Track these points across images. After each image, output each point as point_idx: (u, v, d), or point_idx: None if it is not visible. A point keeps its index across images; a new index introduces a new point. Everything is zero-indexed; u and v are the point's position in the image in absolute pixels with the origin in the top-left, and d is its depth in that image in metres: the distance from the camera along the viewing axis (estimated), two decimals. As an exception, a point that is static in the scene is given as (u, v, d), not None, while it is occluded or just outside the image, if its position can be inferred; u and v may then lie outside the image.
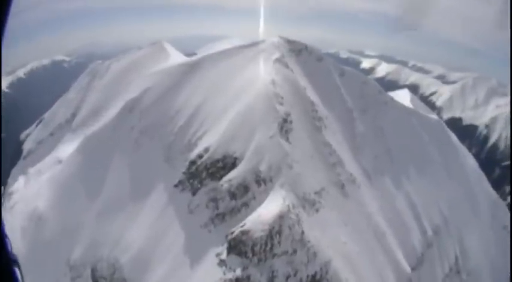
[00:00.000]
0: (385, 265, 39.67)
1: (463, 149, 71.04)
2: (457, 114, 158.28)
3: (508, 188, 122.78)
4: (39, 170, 49.32)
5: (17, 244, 37.75)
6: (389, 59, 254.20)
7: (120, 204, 42.18)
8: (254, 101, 40.15)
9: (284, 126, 38.18)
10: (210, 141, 40.60)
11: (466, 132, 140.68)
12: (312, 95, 46.20)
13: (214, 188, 37.56)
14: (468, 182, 62.99)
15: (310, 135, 41.54)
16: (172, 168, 42.93)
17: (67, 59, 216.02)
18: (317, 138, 42.07)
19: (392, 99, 59.71)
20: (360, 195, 42.71)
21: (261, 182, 34.52)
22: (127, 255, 38.68)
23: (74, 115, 60.89)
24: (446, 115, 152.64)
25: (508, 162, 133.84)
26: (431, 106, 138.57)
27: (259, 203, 33.22)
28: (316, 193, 36.02)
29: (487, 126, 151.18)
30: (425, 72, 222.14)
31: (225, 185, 36.15)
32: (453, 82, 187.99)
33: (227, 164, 37.94)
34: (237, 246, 29.90)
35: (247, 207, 34.39)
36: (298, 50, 51.14)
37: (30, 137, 66.43)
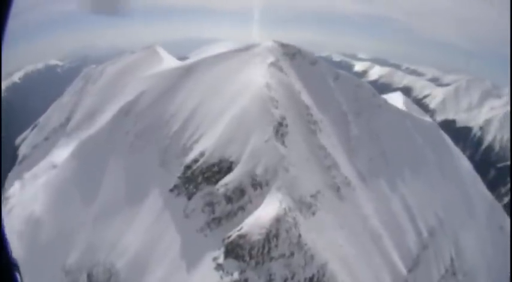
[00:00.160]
0: (381, 267, 39.83)
1: (457, 151, 71.57)
2: (450, 117, 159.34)
3: (503, 189, 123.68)
4: (34, 174, 49.10)
5: (14, 249, 37.52)
6: (382, 62, 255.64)
7: (115, 209, 42.02)
8: (249, 105, 40.28)
9: (280, 130, 38.33)
10: (205, 145, 40.62)
11: (460, 134, 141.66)
12: (306, 98, 46.44)
13: (210, 192, 37.54)
14: (463, 184, 63.43)
15: (306, 138, 41.73)
16: (168, 172, 42.87)
17: (60, 63, 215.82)
18: (312, 142, 42.27)
19: (386, 102, 60.10)
20: (355, 197, 42.90)
21: (257, 185, 34.59)
22: (123, 260, 38.51)
23: (68, 119, 60.70)
24: (439, 117, 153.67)
25: (503, 164, 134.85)
26: (425, 109, 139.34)
27: (256, 207, 33.28)
28: (312, 196, 36.16)
29: (481, 128, 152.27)
30: (419, 74, 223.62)
31: (221, 189, 36.16)
32: (446, 84, 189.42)
33: (223, 168, 37.96)
34: (234, 250, 29.92)
35: (244, 211, 34.41)
36: (292, 54, 51.42)
37: (26, 142, 66.23)
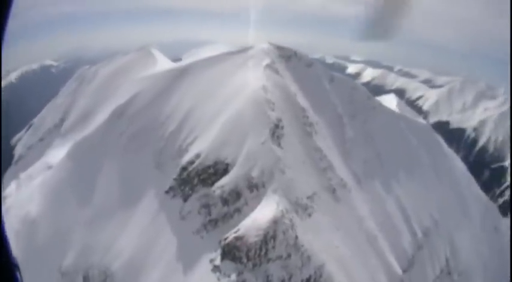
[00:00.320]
0: (377, 268, 40.01)
1: (451, 153, 72.14)
2: (444, 118, 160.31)
3: (498, 190, 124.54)
4: (30, 175, 48.80)
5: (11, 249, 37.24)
6: (375, 64, 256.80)
7: (110, 211, 41.82)
8: (245, 107, 40.29)
9: (276, 132, 38.36)
10: (201, 147, 40.54)
11: (453, 135, 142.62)
12: (302, 100, 46.55)
13: (206, 194, 37.49)
14: (457, 185, 63.95)
15: (302, 140, 41.82)
16: (163, 174, 42.74)
17: (55, 64, 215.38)
18: (308, 144, 42.37)
19: (380, 104, 60.47)
20: (351, 199, 43.06)
21: (254, 187, 34.59)
22: (118, 262, 38.34)
23: (62, 120, 60.42)
24: (433, 119, 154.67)
25: (498, 164, 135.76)
26: (418, 110, 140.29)
27: (252, 209, 33.26)
28: (308, 198, 36.24)
29: (475, 129, 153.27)
30: (412, 76, 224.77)
31: (217, 191, 36.12)
32: (439, 86, 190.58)
33: (219, 169, 37.91)
34: (231, 252, 29.89)
35: (240, 212, 34.40)
36: (287, 56, 51.54)
37: (21, 142, 65.90)
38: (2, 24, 5.10)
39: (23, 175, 49.44)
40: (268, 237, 29.33)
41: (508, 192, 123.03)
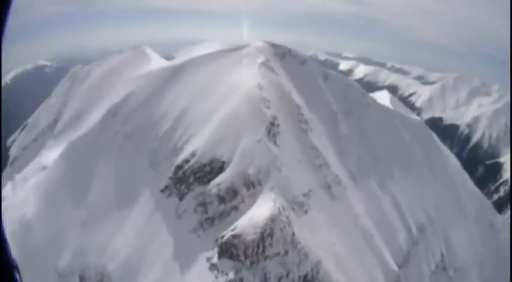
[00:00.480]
0: (373, 264, 40.22)
1: (445, 149, 72.56)
2: (437, 115, 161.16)
3: (493, 187, 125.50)
4: (24, 176, 48.42)
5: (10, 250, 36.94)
6: (367, 61, 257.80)
7: (105, 211, 41.61)
8: (240, 105, 40.26)
9: (272, 130, 38.39)
10: (196, 145, 40.46)
11: (446, 132, 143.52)
12: (297, 98, 46.60)
13: (202, 193, 37.42)
14: (452, 181, 64.37)
15: (297, 138, 41.87)
16: (158, 173, 42.60)
17: (48, 64, 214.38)
18: (303, 141, 42.43)
19: (375, 101, 60.66)
20: (346, 196, 43.20)
21: (250, 185, 34.60)
22: (114, 263, 38.17)
23: (56, 120, 60.02)
24: (426, 115, 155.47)
25: (492, 161, 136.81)
26: (411, 107, 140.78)
27: (249, 207, 33.30)
28: (304, 195, 36.32)
29: (469, 125, 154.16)
30: (404, 73, 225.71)
31: (214, 189, 36.08)
32: (432, 82, 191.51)
33: (214, 168, 37.87)
34: (228, 250, 29.89)
35: (237, 210, 34.39)
36: (282, 54, 51.54)
37: (16, 143, 65.47)
38: (2, 24, 5.06)
39: (17, 176, 49.07)
40: (266, 234, 29.37)
41: (503, 189, 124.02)
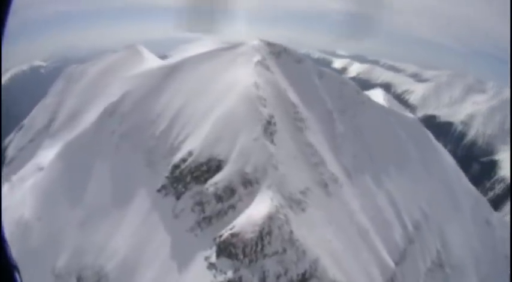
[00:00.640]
0: (370, 261, 40.46)
1: (439, 146, 73.02)
2: (431, 112, 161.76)
3: (488, 183, 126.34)
4: (21, 177, 48.21)
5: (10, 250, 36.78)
6: (360, 59, 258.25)
7: (102, 211, 41.53)
8: (237, 104, 40.34)
9: (268, 128, 38.51)
10: (193, 144, 40.48)
11: (441, 129, 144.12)
12: (293, 96, 46.75)
13: (200, 192, 37.46)
14: (447, 178, 64.79)
15: (293, 136, 42.03)
16: (155, 172, 42.56)
17: (43, 64, 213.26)
18: (300, 139, 42.60)
19: (369, 99, 60.97)
20: (342, 194, 43.41)
21: (247, 183, 34.70)
22: (112, 263, 38.10)
23: (51, 120, 59.79)
24: (420, 113, 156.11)
25: (487, 158, 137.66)
26: (405, 104, 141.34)
27: (247, 205, 33.39)
28: (301, 193, 36.48)
29: (463, 123, 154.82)
30: (398, 71, 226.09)
31: (211, 188, 36.13)
32: (426, 80, 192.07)
33: (212, 166, 37.90)
34: (226, 249, 29.99)
35: (234, 209, 34.47)
36: (277, 52, 51.66)
37: (12, 144, 65.16)
38: (1, 24, 5.09)
39: (14, 177, 48.86)
40: (264, 233, 29.51)
41: (498, 186, 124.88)
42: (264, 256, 29.53)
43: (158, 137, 44.66)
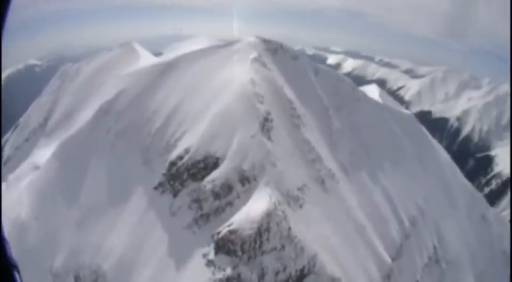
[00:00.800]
0: (367, 257, 40.64)
1: (435, 142, 73.29)
2: (426, 108, 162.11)
3: (484, 179, 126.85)
4: (17, 176, 47.90)
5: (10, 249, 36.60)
6: (355, 55, 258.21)
7: (99, 209, 41.40)
8: (234, 101, 40.25)
9: (265, 125, 38.48)
10: (190, 141, 40.38)
11: (436, 125, 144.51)
12: (289, 93, 46.70)
13: (197, 189, 37.41)
14: (443, 174, 65.07)
15: (290, 133, 42.02)
16: (151, 170, 42.45)
17: (38, 63, 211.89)
18: (297, 136, 42.60)
19: (365, 95, 61.01)
20: (339, 190, 43.51)
21: (245, 180, 34.69)
22: (109, 262, 38.04)
23: (46, 119, 59.45)
24: (414, 109, 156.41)
25: (483, 154, 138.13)
26: (400, 100, 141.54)
27: (244, 202, 33.41)
28: (299, 189, 36.53)
29: (458, 118, 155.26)
30: (392, 67, 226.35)
31: (208, 185, 36.10)
32: (421, 76, 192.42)
33: (209, 164, 37.85)
34: (225, 246, 30.00)
35: (232, 206, 34.47)
36: (274, 49, 51.53)
37: (8, 143, 64.82)
38: (1, 23, 5.04)
39: (11, 176, 48.59)
40: (262, 229, 29.55)
41: (495, 182, 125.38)
42: (263, 253, 29.57)
43: (154, 135, 44.52)
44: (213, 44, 63.75)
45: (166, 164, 40.66)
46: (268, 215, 30.21)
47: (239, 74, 43.67)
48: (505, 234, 67.34)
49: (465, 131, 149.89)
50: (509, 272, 60.49)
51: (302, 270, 30.16)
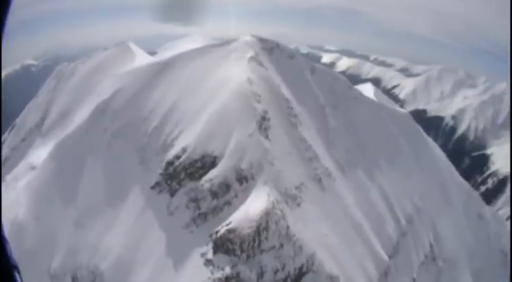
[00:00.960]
0: (364, 255, 40.83)
1: (430, 141, 73.67)
2: (421, 107, 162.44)
3: (480, 178, 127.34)
4: (15, 177, 47.68)
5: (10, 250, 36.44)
6: (349, 53, 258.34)
7: (96, 209, 41.25)
8: (231, 100, 40.25)
9: (263, 124, 38.51)
10: (187, 141, 40.33)
11: (431, 124, 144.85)
12: (286, 92, 46.76)
13: (194, 188, 37.38)
14: (439, 173, 65.44)
15: (287, 131, 42.09)
16: (148, 170, 42.35)
17: (35, 63, 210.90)
18: (294, 135, 42.68)
19: (361, 94, 61.20)
20: (336, 188, 43.65)
21: (243, 179, 34.72)
22: (106, 262, 37.93)
23: (43, 119, 59.17)
24: (409, 107, 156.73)
25: (478, 153, 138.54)
26: (394, 99, 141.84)
27: (242, 201, 33.44)
28: (296, 188, 36.63)
29: (454, 117, 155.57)
30: (387, 65, 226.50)
31: (206, 185, 36.08)
32: (416, 75, 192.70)
33: (206, 163, 37.82)
34: (223, 245, 30.02)
35: (230, 205, 34.48)
36: (270, 48, 51.54)
37: (6, 144, 64.51)
38: (1, 23, 5.03)
39: (8, 177, 48.35)
40: (261, 228, 29.60)
41: (491, 180, 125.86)
42: (261, 251, 29.63)
43: (151, 134, 44.40)
44: (208, 42, 63.69)
45: (164, 164, 40.57)
46: (267, 213, 30.26)
47: (236, 73, 43.65)
48: (503, 232, 67.80)
49: (461, 130, 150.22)
50: (507, 270, 60.82)
51: (301, 268, 30.27)
